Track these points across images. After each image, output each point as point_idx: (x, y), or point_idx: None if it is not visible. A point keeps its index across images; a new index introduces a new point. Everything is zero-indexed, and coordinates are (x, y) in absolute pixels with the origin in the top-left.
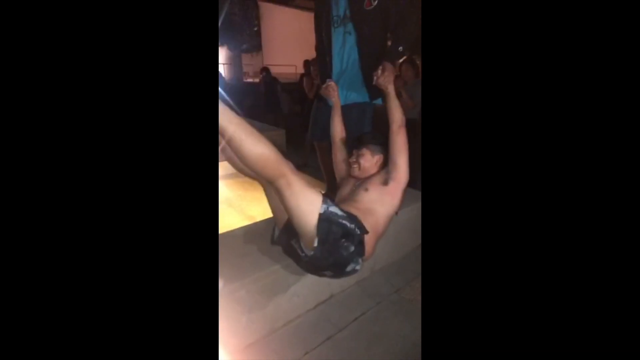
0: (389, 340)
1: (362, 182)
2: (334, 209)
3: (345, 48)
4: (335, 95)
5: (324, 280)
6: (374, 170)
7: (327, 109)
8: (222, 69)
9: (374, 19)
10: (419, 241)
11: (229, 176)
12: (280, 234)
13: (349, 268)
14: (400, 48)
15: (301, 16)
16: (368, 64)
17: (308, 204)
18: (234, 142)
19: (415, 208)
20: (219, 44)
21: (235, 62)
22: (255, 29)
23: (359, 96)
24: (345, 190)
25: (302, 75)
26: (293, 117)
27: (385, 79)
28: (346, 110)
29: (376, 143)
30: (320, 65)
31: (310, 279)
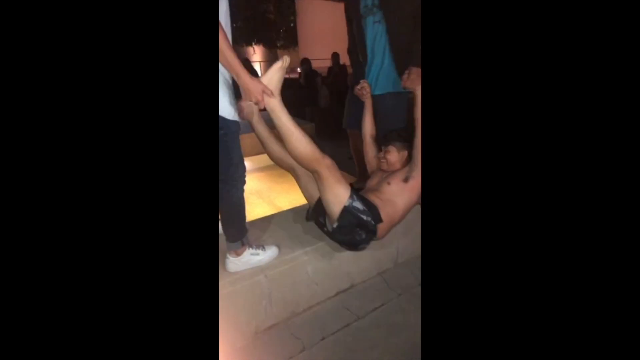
0: (409, 331)
1: (387, 175)
2: (356, 204)
3: (375, 38)
4: (368, 95)
5: (345, 270)
6: (399, 164)
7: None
8: (258, 67)
9: (401, 6)
10: None
11: (260, 169)
12: (312, 211)
13: (359, 247)
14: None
15: (338, 8)
16: (399, 53)
17: (336, 197)
18: (286, 136)
19: None
20: (255, 42)
21: (271, 60)
22: (292, 24)
23: (393, 85)
24: (374, 180)
25: (329, 69)
26: (329, 111)
27: (412, 82)
28: (381, 99)
29: (401, 140)
30: (352, 56)
31: (330, 268)
